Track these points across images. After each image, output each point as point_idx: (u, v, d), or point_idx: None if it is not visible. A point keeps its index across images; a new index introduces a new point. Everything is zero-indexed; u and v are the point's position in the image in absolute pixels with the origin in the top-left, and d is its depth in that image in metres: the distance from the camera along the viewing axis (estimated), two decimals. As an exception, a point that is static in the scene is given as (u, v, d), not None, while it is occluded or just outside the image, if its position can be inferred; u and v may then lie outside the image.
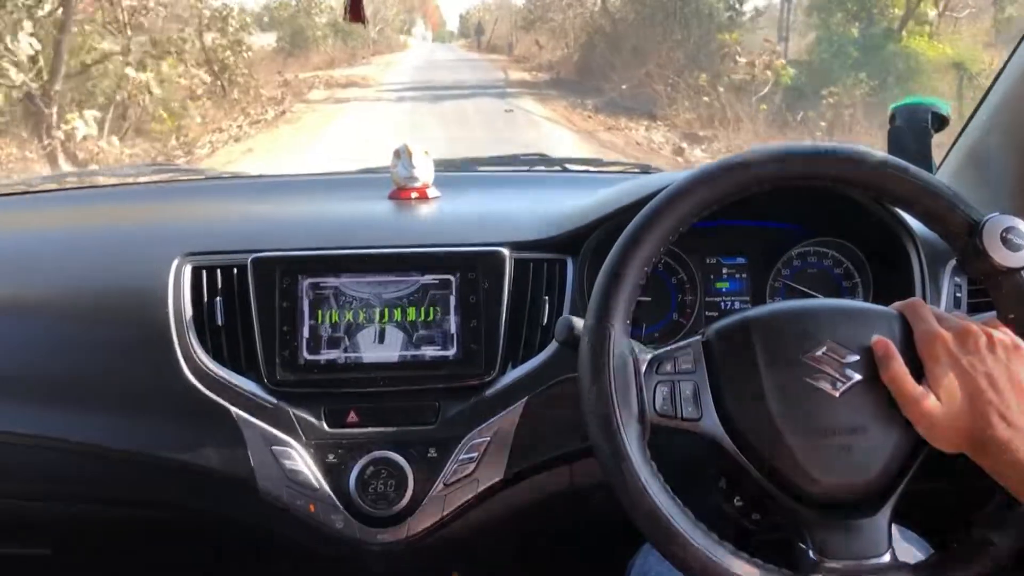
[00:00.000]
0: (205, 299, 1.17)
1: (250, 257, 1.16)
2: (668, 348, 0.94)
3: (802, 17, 13.63)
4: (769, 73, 11.44)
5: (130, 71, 9.92)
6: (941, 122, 1.42)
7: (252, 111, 12.89)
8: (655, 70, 13.28)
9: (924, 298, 1.17)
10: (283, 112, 13.35)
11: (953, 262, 1.20)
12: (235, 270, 1.18)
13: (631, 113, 12.54)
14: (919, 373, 0.88)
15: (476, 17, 50.18)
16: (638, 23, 15.72)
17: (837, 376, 0.89)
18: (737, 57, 12.05)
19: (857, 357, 0.89)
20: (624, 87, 14.15)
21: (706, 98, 11.57)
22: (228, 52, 13.11)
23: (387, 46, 35.08)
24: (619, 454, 0.86)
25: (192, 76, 11.56)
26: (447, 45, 51.19)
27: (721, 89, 11.49)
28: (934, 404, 0.85)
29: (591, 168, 1.79)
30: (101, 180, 1.78)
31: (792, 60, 12.33)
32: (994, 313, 0.94)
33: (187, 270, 1.18)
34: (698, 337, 0.95)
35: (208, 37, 12.77)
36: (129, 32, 10.41)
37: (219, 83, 12.77)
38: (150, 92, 9.99)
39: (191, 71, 11.58)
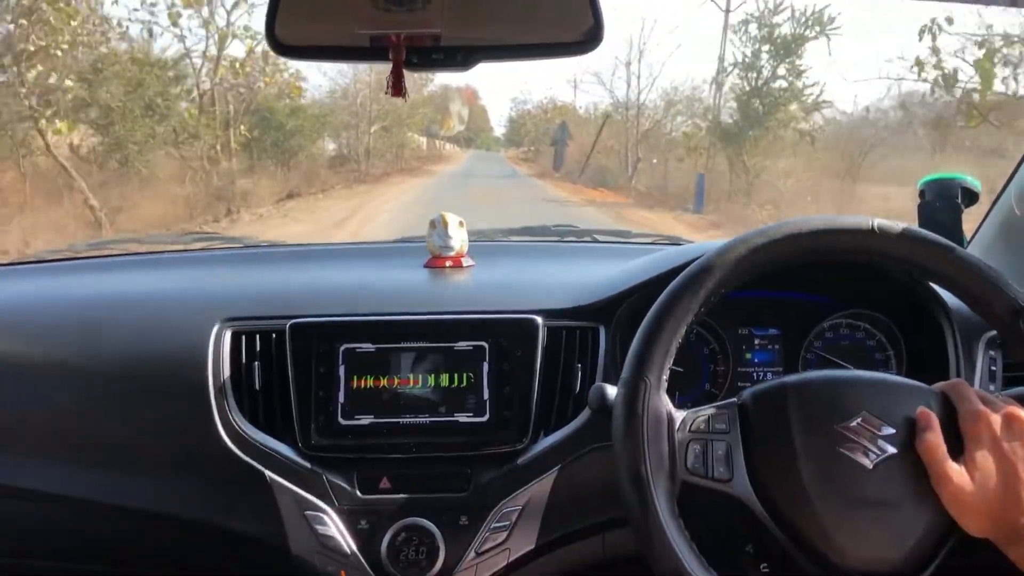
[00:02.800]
0: (243, 364, 1.19)
1: (288, 323, 1.19)
2: (703, 408, 0.94)
3: None
4: None
5: None
6: (971, 197, 1.43)
7: None
8: None
9: (958, 371, 1.16)
10: None
11: (987, 336, 1.20)
12: (273, 335, 1.20)
13: None
14: (956, 452, 0.87)
15: (533, 120, 31.73)
16: None
17: (871, 448, 0.88)
18: None
19: (893, 430, 0.89)
20: None
21: None
22: None
23: (393, 162, 21.06)
24: (647, 508, 0.87)
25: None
26: (493, 155, 36.23)
27: None
28: (966, 483, 0.84)
29: (620, 239, 1.81)
30: (142, 248, 1.83)
31: None
32: None
33: (227, 335, 1.20)
34: (734, 400, 0.95)
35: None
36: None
37: None
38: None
39: None
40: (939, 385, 0.93)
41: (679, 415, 0.92)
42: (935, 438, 0.86)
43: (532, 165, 26.90)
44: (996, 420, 0.86)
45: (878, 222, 0.93)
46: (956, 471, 0.85)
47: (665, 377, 0.93)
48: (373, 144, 19.34)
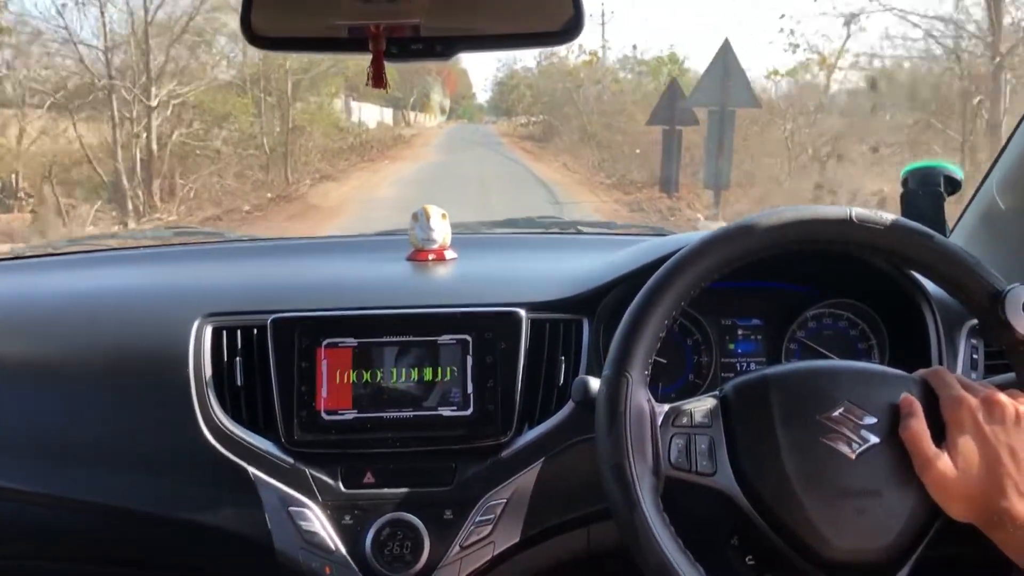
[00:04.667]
0: (225, 359, 1.18)
1: (270, 318, 1.18)
2: (686, 401, 0.94)
3: None
4: None
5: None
6: (954, 185, 1.43)
7: None
8: None
9: (940, 360, 1.17)
10: None
11: (969, 324, 1.20)
12: (255, 331, 1.19)
13: None
14: (938, 439, 0.87)
15: (539, 79, 21.45)
16: None
17: (854, 437, 0.88)
18: None
19: (875, 420, 0.89)
20: None
21: None
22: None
23: (254, 189, 10.66)
24: (632, 504, 0.86)
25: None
26: (480, 129, 30.15)
27: None
28: (949, 468, 0.85)
29: (605, 231, 1.80)
30: (123, 243, 1.81)
31: None
32: (1012, 376, 0.94)
33: (208, 331, 1.19)
34: (716, 392, 0.95)
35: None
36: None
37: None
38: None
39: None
40: (920, 373, 0.94)
41: (661, 410, 0.92)
42: (918, 424, 0.87)
43: (560, 159, 15.55)
44: (977, 405, 0.87)
45: (856, 211, 0.93)
46: (939, 457, 0.85)
47: (647, 372, 0.92)
48: (210, 143, 9.13)
